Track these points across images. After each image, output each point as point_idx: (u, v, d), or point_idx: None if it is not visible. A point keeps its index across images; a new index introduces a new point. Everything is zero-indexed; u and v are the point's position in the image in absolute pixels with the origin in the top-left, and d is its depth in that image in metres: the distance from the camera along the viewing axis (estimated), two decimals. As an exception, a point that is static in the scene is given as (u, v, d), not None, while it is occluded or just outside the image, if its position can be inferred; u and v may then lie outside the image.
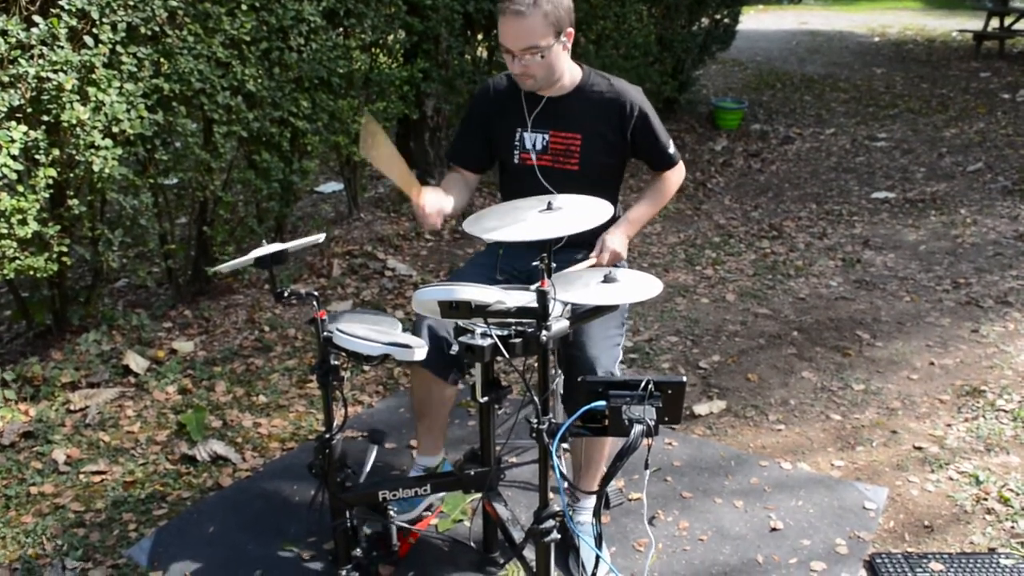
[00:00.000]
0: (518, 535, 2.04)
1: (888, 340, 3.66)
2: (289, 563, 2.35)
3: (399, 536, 2.28)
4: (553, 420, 1.74)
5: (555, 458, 1.70)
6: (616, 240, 2.23)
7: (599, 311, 1.87)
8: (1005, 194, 5.61)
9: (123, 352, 3.48)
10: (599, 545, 1.79)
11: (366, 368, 3.44)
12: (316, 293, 2.01)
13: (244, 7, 3.60)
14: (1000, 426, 2.98)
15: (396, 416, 3.12)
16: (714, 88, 9.10)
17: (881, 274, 4.40)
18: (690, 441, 2.94)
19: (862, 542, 2.40)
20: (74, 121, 2.99)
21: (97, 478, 2.75)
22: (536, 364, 1.77)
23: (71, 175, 3.14)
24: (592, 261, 2.18)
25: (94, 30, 3.05)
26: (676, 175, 2.43)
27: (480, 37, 5.66)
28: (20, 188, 2.93)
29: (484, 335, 1.77)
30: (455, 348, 1.82)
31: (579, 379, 1.74)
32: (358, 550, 2.13)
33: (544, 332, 1.69)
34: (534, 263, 1.71)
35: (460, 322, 1.83)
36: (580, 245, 2.29)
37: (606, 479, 1.66)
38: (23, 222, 2.93)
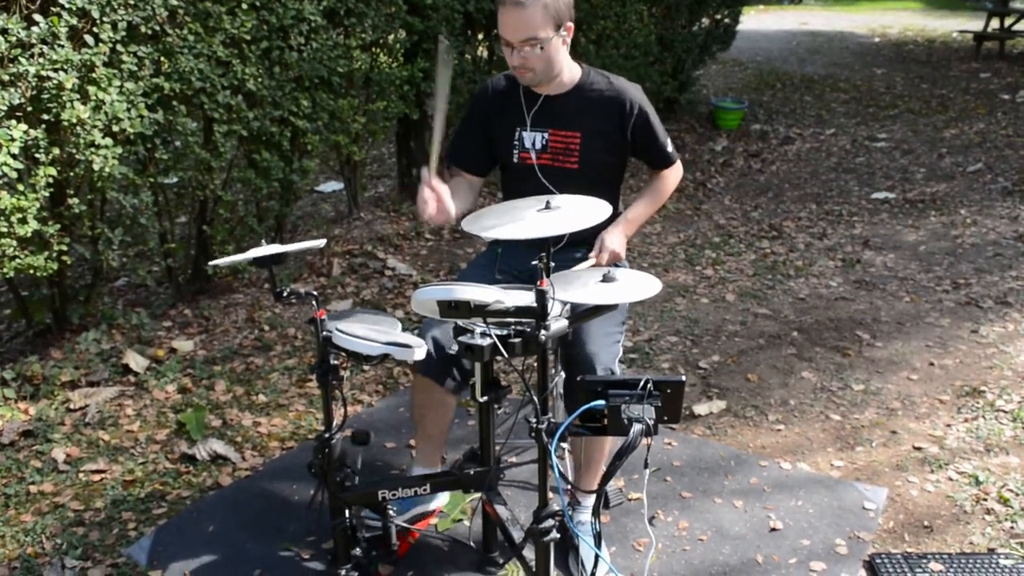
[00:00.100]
0: (517, 535, 2.04)
1: (888, 340, 3.66)
2: (288, 562, 2.35)
3: (398, 536, 2.28)
4: (552, 420, 1.74)
5: (554, 458, 1.70)
6: (615, 240, 2.23)
7: (598, 310, 1.87)
8: (1005, 195, 5.61)
9: (123, 351, 3.48)
10: (598, 545, 1.79)
11: (366, 368, 3.44)
12: (316, 292, 2.01)
13: (244, 6, 3.60)
14: (1000, 426, 2.98)
15: (396, 415, 3.12)
16: (714, 88, 9.09)
17: (881, 274, 4.40)
18: (690, 441, 2.94)
19: (862, 542, 2.40)
20: (74, 120, 2.99)
21: (97, 477, 2.75)
22: (536, 364, 1.77)
23: (71, 174, 3.14)
24: (592, 261, 2.18)
25: (94, 29, 3.05)
26: (674, 174, 2.43)
27: (481, 37, 5.65)
28: (20, 187, 2.93)
29: (483, 335, 1.77)
30: (454, 347, 1.82)
31: (578, 378, 1.74)
32: (357, 549, 2.13)
33: (543, 332, 1.69)
34: (533, 262, 1.71)
35: (460, 322, 1.83)
36: (579, 244, 2.29)
37: (605, 478, 1.66)
38: (23, 221, 2.94)
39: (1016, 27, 10.38)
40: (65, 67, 2.94)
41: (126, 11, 3.14)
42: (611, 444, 2.29)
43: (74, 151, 3.06)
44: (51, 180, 3.02)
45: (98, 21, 3.04)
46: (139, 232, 3.59)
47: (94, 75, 3.05)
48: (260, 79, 3.76)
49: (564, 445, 2.62)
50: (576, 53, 2.29)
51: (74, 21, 2.96)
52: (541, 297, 1.68)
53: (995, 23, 10.44)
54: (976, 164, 6.30)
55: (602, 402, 1.63)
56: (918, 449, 2.87)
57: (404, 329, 2.06)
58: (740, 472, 2.75)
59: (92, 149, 3.09)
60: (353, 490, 2.11)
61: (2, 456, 2.85)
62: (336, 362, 2.01)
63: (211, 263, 2.29)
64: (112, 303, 4.03)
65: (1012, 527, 2.45)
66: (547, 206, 1.87)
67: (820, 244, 4.88)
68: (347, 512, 2.10)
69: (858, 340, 3.67)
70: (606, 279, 1.81)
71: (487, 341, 1.75)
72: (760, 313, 3.96)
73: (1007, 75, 9.27)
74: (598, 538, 1.78)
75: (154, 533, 2.47)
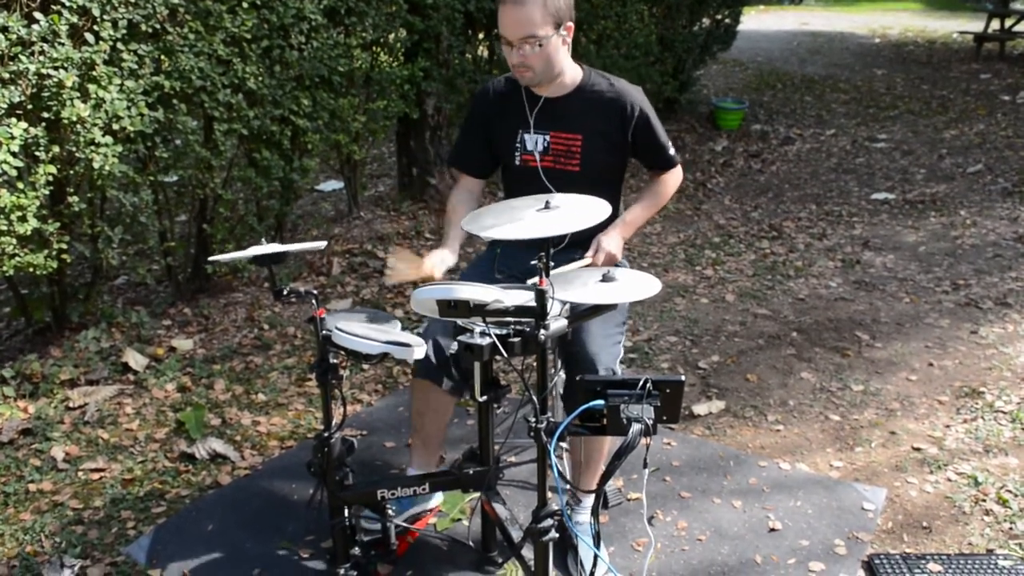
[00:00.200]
0: (516, 534, 2.04)
1: (887, 341, 3.66)
2: (287, 561, 2.35)
3: (397, 535, 2.28)
4: (552, 419, 1.74)
5: (553, 457, 1.70)
6: (612, 242, 2.22)
7: (598, 310, 1.87)
8: (1005, 196, 5.61)
9: (122, 350, 3.48)
10: (597, 544, 1.79)
11: (365, 367, 3.44)
12: (315, 291, 2.01)
13: (245, 5, 3.60)
14: (999, 427, 2.98)
15: (395, 415, 3.12)
16: (715, 88, 9.09)
17: (880, 275, 4.40)
18: (689, 441, 2.94)
19: (860, 543, 2.40)
20: (74, 118, 2.99)
21: (96, 476, 2.75)
22: (535, 363, 1.77)
23: (71, 172, 3.14)
24: (587, 261, 2.17)
25: (95, 27, 3.05)
26: (674, 177, 2.42)
27: (481, 36, 5.65)
28: (20, 185, 2.93)
29: (483, 334, 1.77)
30: (454, 347, 1.82)
31: (577, 378, 1.74)
32: (356, 548, 2.13)
33: (542, 331, 1.69)
34: (532, 262, 1.71)
35: (459, 321, 1.83)
36: (580, 245, 2.29)
37: (604, 478, 1.66)
38: (23, 219, 2.93)
39: (1016, 28, 10.38)
40: (65, 65, 2.94)
41: (127, 9, 3.14)
42: (610, 444, 2.29)
43: (74, 149, 3.06)
44: (51, 178, 3.02)
45: (98, 19, 3.04)
46: (139, 231, 3.59)
47: (94, 73, 3.05)
48: (260, 78, 3.76)
49: (563, 445, 2.62)
50: (577, 53, 2.29)
51: (74, 19, 2.96)
52: (540, 297, 1.68)
53: (995, 24, 10.44)
54: (976, 165, 6.30)
55: (601, 402, 1.63)
56: (917, 450, 2.87)
57: (403, 328, 2.06)
58: (739, 472, 2.75)
59: (92, 147, 3.09)
60: (352, 489, 2.11)
61: (1, 454, 2.85)
62: (335, 361, 2.01)
63: (210, 259, 2.29)
64: (112, 301, 4.03)
65: (1011, 528, 2.45)
66: (546, 206, 1.87)
67: (820, 244, 4.89)
68: (346, 511, 2.10)
69: (857, 341, 3.67)
70: (606, 279, 1.81)
71: (486, 340, 1.75)
72: (760, 313, 3.96)
73: (1007, 76, 9.27)
74: (597, 538, 1.78)
75: (153, 532, 2.47)
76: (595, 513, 1.77)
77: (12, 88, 2.84)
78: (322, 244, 2.22)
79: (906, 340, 3.66)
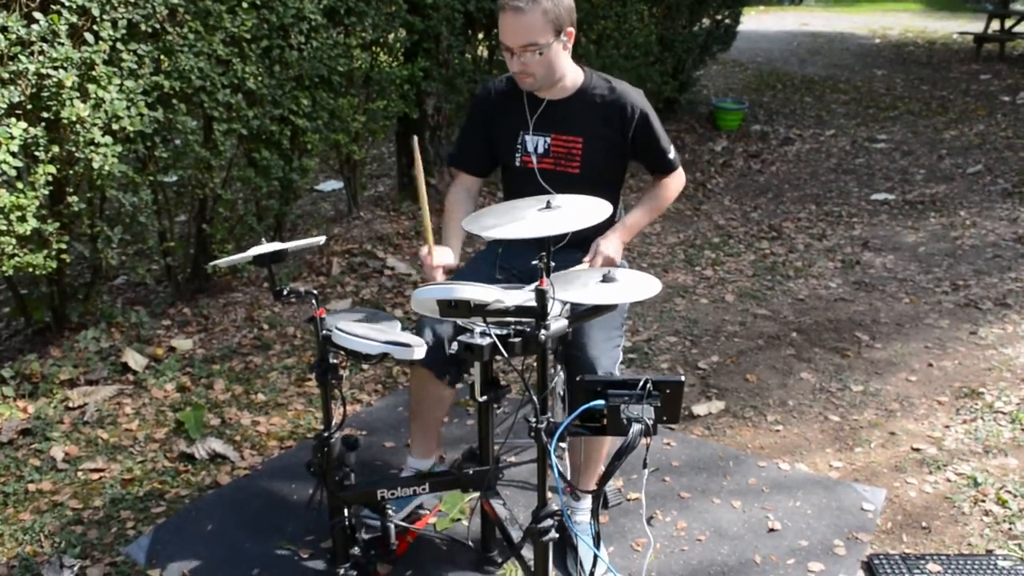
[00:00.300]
0: (516, 534, 2.04)
1: (887, 341, 3.66)
2: (287, 561, 2.35)
3: (397, 535, 2.28)
4: (552, 419, 1.74)
5: (553, 457, 1.70)
6: (611, 245, 2.21)
7: (598, 310, 1.87)
8: (1004, 196, 5.61)
9: (122, 350, 3.48)
10: (597, 544, 1.79)
11: (365, 367, 3.44)
12: (315, 291, 2.01)
13: (245, 5, 3.60)
14: (998, 428, 2.98)
15: (395, 415, 3.12)
16: (714, 88, 9.10)
17: (880, 275, 4.41)
18: (688, 441, 2.94)
19: (860, 543, 2.40)
20: (74, 118, 2.98)
21: (95, 476, 2.75)
22: (535, 363, 1.77)
23: (71, 172, 3.14)
24: (585, 266, 2.17)
25: (94, 27, 3.05)
26: (676, 182, 2.42)
27: (481, 36, 5.65)
28: (19, 185, 2.93)
29: (483, 334, 1.77)
30: (454, 347, 1.82)
31: (578, 378, 1.74)
32: (356, 548, 2.13)
33: (543, 331, 1.69)
34: (533, 262, 1.71)
35: (459, 321, 1.83)
36: (580, 245, 2.29)
37: (604, 478, 1.66)
38: (22, 219, 2.93)
39: (1016, 29, 10.39)
40: (65, 65, 2.94)
41: (126, 9, 3.13)
42: (610, 444, 2.29)
43: (74, 149, 3.06)
44: (50, 178, 3.02)
45: (98, 19, 3.04)
46: (138, 230, 3.59)
47: (94, 73, 3.05)
48: (260, 78, 3.76)
49: (563, 445, 2.62)
50: (576, 53, 2.29)
51: (74, 19, 2.96)
52: (541, 297, 1.68)
53: (995, 25, 10.45)
54: (976, 166, 6.31)
55: (601, 402, 1.63)
56: (916, 450, 2.87)
57: (403, 328, 2.07)
58: (739, 472, 2.75)
59: (92, 147, 3.09)
60: (352, 489, 2.11)
61: (1, 454, 2.85)
62: (335, 361, 2.01)
63: (211, 263, 2.29)
64: (111, 301, 4.03)
65: (1010, 528, 2.46)
66: (548, 206, 1.87)
67: (819, 245, 4.89)
68: (346, 511, 2.10)
69: (857, 341, 3.67)
70: (606, 279, 1.81)
71: (487, 340, 1.75)
72: (759, 314, 3.96)
73: (1007, 77, 9.28)
74: (597, 538, 1.78)
75: (153, 532, 2.47)
76: (595, 513, 1.77)
77: (12, 88, 2.84)
78: (321, 239, 2.22)
79: (906, 341, 3.67)
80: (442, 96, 5.25)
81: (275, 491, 2.67)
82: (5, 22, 2.79)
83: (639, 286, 1.81)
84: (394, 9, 4.62)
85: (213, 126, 3.71)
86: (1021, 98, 8.26)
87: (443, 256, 2.20)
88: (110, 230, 3.41)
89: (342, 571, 2.09)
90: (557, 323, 1.73)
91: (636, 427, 1.57)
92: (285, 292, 1.99)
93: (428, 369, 2.26)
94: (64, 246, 3.17)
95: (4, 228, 2.90)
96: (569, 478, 2.42)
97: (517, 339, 1.75)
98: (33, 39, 2.87)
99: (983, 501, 2.58)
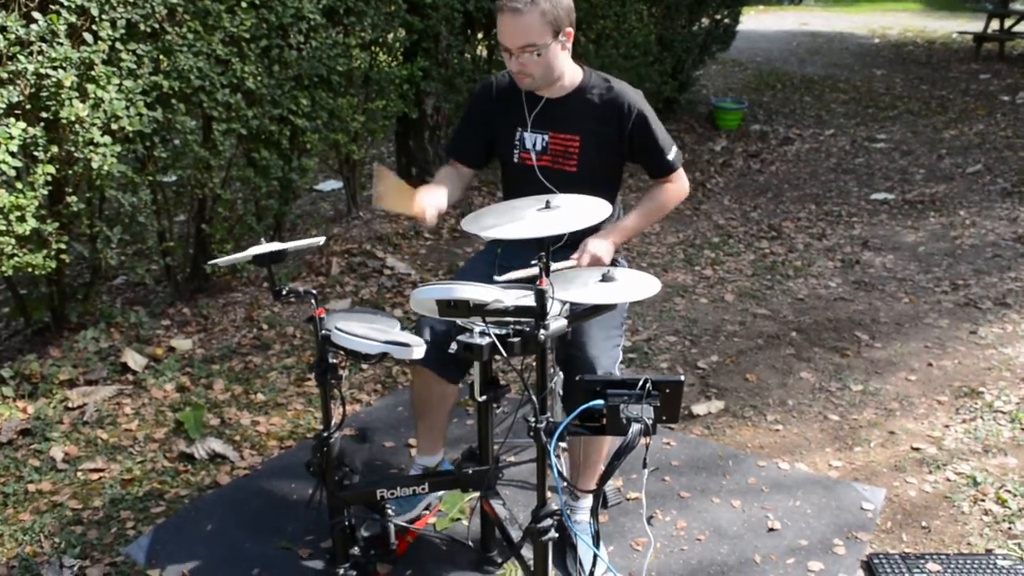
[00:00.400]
0: (516, 534, 2.04)
1: (886, 341, 3.66)
2: (287, 561, 2.35)
3: (397, 535, 2.28)
4: (551, 419, 1.74)
5: (553, 457, 1.70)
6: (600, 245, 2.18)
7: (597, 310, 1.87)
8: (1004, 196, 5.61)
9: (121, 350, 3.47)
10: (597, 544, 1.79)
11: (364, 366, 3.44)
12: (315, 291, 2.01)
13: (244, 4, 3.60)
14: (998, 427, 2.98)
15: (394, 414, 3.12)
16: (714, 88, 9.10)
17: (880, 275, 4.41)
18: (688, 441, 2.94)
19: (859, 542, 2.40)
20: (73, 118, 2.98)
21: (95, 476, 2.75)
22: (534, 363, 1.77)
23: (70, 172, 3.14)
24: (571, 263, 2.14)
25: (93, 27, 3.05)
26: (676, 187, 2.39)
27: (480, 36, 5.65)
28: (19, 185, 2.93)
29: (482, 334, 1.77)
30: (453, 347, 1.82)
31: (577, 378, 1.74)
32: (356, 548, 2.13)
33: (542, 331, 1.69)
34: (532, 262, 1.71)
35: (459, 321, 1.83)
36: (578, 245, 2.29)
37: (604, 478, 1.66)
38: (21, 219, 2.93)
39: (1016, 28, 10.39)
40: (64, 65, 2.94)
41: (125, 9, 3.13)
42: (610, 444, 2.29)
43: (73, 149, 3.06)
44: (50, 178, 3.02)
45: (97, 19, 3.04)
46: (138, 230, 3.59)
47: (93, 73, 3.05)
48: (259, 77, 3.76)
49: (562, 445, 2.62)
50: (576, 53, 2.29)
51: (73, 19, 2.96)
52: (540, 296, 1.67)
53: (995, 24, 10.45)
54: (975, 165, 6.31)
55: (601, 402, 1.63)
56: (916, 450, 2.87)
57: (403, 328, 2.07)
58: (738, 472, 2.75)
59: (91, 147, 3.08)
60: (351, 489, 2.11)
61: (0, 455, 2.85)
62: (335, 361, 2.01)
63: (211, 262, 2.29)
64: (111, 302, 4.03)
65: (1010, 528, 2.46)
66: (547, 205, 1.87)
67: (819, 245, 4.89)
68: (345, 511, 2.10)
69: (857, 341, 3.67)
70: (605, 279, 1.81)
71: (486, 340, 1.75)
72: (759, 313, 3.96)
73: (1007, 76, 9.28)
74: (596, 537, 1.78)
75: (152, 532, 2.47)
76: (594, 513, 1.77)
77: (10, 88, 2.84)
78: (320, 240, 2.22)
79: (905, 340, 3.67)
80: (441, 96, 5.25)
81: (275, 491, 2.67)
82: (4, 22, 2.79)
83: (638, 286, 1.81)
84: (393, 9, 4.62)
85: (212, 126, 3.71)
86: (1021, 98, 8.26)
87: (434, 199, 2.19)
88: (109, 230, 3.40)
89: (342, 571, 2.09)
90: (556, 323, 1.73)
91: (635, 427, 1.57)
92: (284, 292, 1.99)
93: (429, 368, 2.26)
94: (63, 246, 3.17)
95: (3, 228, 2.89)
96: (569, 477, 2.42)
97: (516, 339, 1.75)
98: (32, 39, 2.87)
99: (983, 500, 2.58)
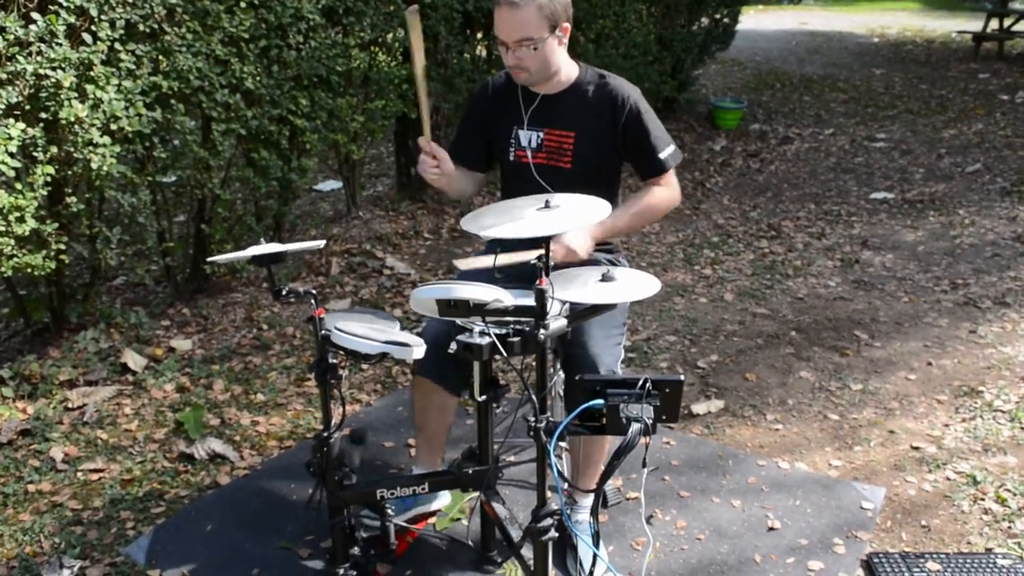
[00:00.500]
0: (516, 534, 2.04)
1: (886, 340, 3.66)
2: (287, 561, 2.35)
3: (397, 535, 2.28)
4: (551, 419, 1.74)
5: (553, 457, 1.70)
6: (576, 238, 2.10)
7: (597, 310, 1.87)
8: (1003, 195, 5.61)
9: (121, 350, 3.47)
10: (597, 544, 1.79)
11: (364, 367, 3.44)
12: (314, 291, 2.01)
13: (243, 4, 3.60)
14: (997, 426, 2.98)
15: (394, 414, 3.12)
16: (713, 88, 9.10)
17: (879, 274, 4.41)
18: (688, 440, 2.94)
19: (859, 542, 2.40)
20: (72, 118, 2.98)
21: (95, 476, 2.75)
22: (534, 363, 1.77)
23: (69, 172, 3.14)
24: (540, 252, 2.05)
25: (92, 27, 3.04)
26: (665, 192, 2.32)
27: (479, 36, 5.65)
28: (18, 185, 2.93)
29: (482, 334, 1.77)
30: (453, 346, 1.82)
31: (577, 377, 1.74)
32: (356, 548, 2.13)
33: (542, 331, 1.69)
34: (532, 262, 1.71)
35: (459, 321, 1.83)
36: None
37: (604, 478, 1.66)
38: (21, 219, 2.93)
39: (1015, 28, 10.39)
40: (63, 65, 2.94)
41: (124, 9, 3.13)
42: (609, 443, 2.29)
43: (72, 150, 3.06)
44: (49, 179, 3.01)
45: (96, 19, 3.04)
46: (137, 231, 3.59)
47: (92, 73, 3.05)
48: (258, 78, 3.76)
49: (563, 444, 2.62)
50: (575, 52, 2.29)
51: (72, 19, 2.96)
52: (540, 296, 1.67)
53: (994, 24, 10.45)
54: (975, 164, 6.31)
55: (601, 401, 1.63)
56: (916, 449, 2.87)
57: (402, 328, 2.06)
58: (738, 471, 2.75)
59: (90, 148, 3.08)
60: (351, 489, 2.11)
61: (0, 455, 2.85)
62: (335, 361, 2.01)
63: (209, 260, 2.29)
64: (110, 302, 4.03)
65: (1010, 527, 2.46)
66: (546, 205, 1.87)
67: (819, 244, 4.89)
68: (345, 511, 2.10)
69: (856, 340, 3.67)
70: (605, 279, 1.81)
71: (486, 340, 1.75)
72: (758, 313, 3.97)
73: (1006, 76, 9.28)
74: (596, 537, 1.78)
75: (152, 532, 2.47)
76: (594, 512, 1.77)
77: (10, 88, 2.84)
78: (320, 243, 2.22)
79: (905, 339, 3.67)
80: (441, 96, 5.25)
81: (275, 491, 2.67)
82: (3, 23, 2.79)
83: (638, 285, 1.81)
84: (392, 9, 4.62)
85: (212, 126, 3.71)
86: (1020, 97, 8.27)
87: (443, 153, 2.19)
88: (109, 230, 3.40)
89: (341, 571, 2.09)
90: (556, 322, 1.73)
91: (635, 426, 1.57)
92: (284, 292, 1.99)
93: (429, 378, 2.26)
94: (63, 247, 3.17)
95: (3, 229, 2.89)
96: (569, 477, 2.42)
97: (516, 338, 1.75)
98: (31, 39, 2.87)
99: (982, 499, 2.58)
